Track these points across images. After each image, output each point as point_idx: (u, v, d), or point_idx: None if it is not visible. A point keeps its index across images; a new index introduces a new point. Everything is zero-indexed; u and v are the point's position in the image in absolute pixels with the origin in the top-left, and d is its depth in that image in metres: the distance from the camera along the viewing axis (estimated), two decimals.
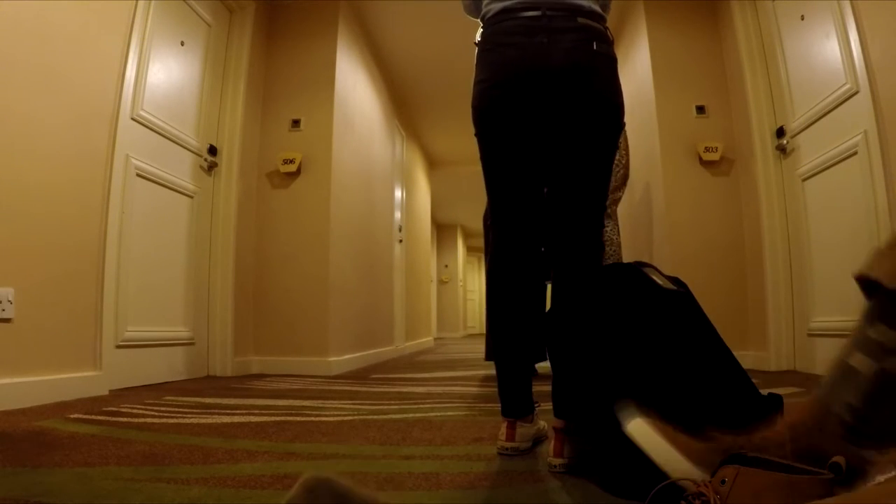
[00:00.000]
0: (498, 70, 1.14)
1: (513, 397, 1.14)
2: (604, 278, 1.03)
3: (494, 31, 1.17)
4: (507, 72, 1.13)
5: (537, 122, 1.15)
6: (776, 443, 0.66)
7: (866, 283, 0.65)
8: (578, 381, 0.98)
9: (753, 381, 0.88)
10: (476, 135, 1.21)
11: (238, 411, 1.63)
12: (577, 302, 1.03)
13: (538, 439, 1.17)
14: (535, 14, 1.13)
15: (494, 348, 1.20)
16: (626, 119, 1.26)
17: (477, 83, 1.19)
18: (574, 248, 1.16)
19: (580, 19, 1.13)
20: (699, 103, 3.12)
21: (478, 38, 1.22)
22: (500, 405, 1.16)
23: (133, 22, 2.20)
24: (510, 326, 1.16)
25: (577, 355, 0.98)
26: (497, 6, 1.16)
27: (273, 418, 1.52)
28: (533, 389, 1.19)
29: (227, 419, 1.49)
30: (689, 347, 0.88)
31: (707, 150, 3.03)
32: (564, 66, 1.10)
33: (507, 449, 1.10)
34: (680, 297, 0.95)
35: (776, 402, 0.75)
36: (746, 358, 2.80)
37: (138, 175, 2.31)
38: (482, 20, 1.22)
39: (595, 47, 1.13)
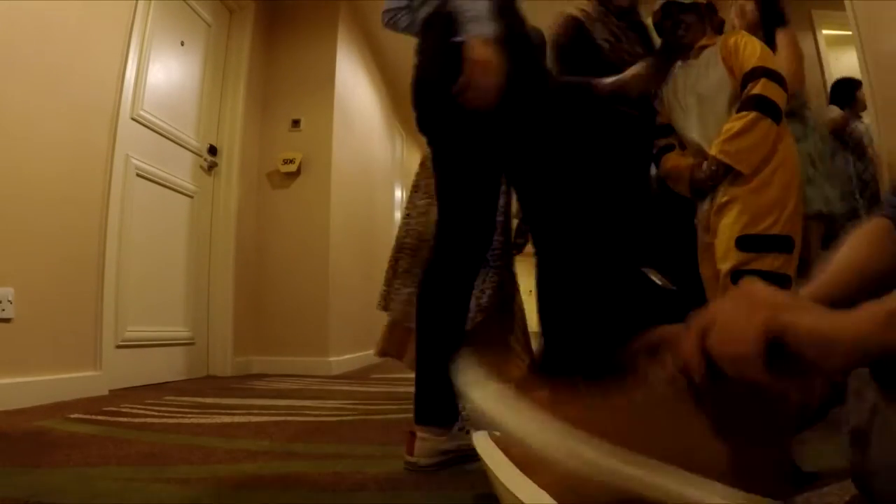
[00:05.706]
0: None
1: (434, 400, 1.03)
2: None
3: None
4: None
5: None
6: None
7: None
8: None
9: None
10: None
11: (238, 411, 1.63)
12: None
13: (461, 456, 1.01)
14: None
15: (426, 349, 1.07)
16: None
17: None
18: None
19: None
20: None
21: None
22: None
23: (133, 22, 2.19)
24: (452, 328, 1.08)
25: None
26: None
27: (273, 418, 1.52)
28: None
29: (227, 419, 1.49)
30: None
31: None
32: None
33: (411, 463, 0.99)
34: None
35: None
36: None
37: (138, 175, 2.31)
38: None
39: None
